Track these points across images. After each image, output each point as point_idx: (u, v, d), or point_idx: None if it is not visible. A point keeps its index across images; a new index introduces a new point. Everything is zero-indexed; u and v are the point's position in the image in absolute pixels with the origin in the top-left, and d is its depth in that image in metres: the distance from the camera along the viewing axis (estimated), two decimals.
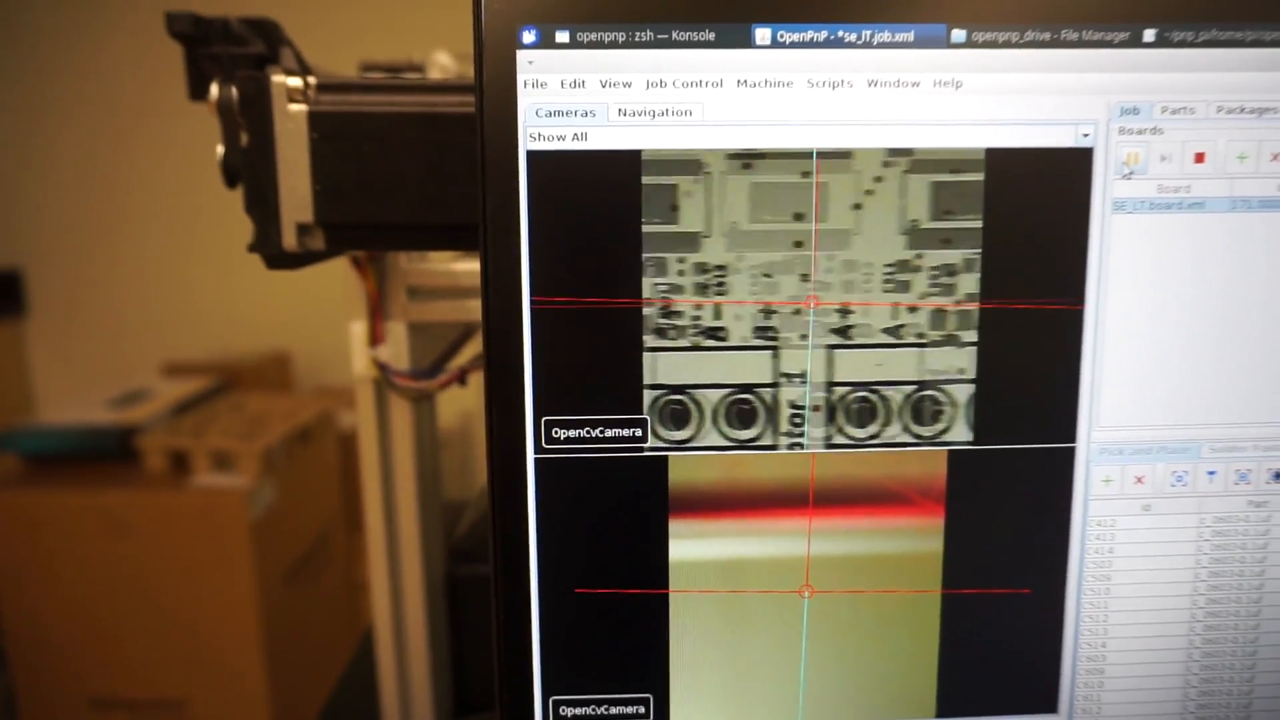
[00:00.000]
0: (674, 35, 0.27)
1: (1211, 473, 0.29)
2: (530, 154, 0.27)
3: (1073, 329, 0.28)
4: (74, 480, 1.16)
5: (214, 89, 0.34)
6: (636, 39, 0.27)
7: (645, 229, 0.27)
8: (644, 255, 0.27)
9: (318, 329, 1.66)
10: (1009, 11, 0.27)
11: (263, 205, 0.34)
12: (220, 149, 0.35)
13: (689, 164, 0.27)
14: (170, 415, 1.30)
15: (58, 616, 1.16)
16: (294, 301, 1.66)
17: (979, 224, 0.28)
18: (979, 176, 0.27)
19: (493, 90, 0.26)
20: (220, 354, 1.61)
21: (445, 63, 0.58)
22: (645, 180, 0.27)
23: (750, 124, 0.27)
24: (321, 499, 1.40)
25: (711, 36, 0.27)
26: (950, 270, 0.28)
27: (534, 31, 0.26)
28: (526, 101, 0.27)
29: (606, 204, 0.27)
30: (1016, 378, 0.28)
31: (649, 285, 0.27)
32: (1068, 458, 0.29)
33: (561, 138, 0.27)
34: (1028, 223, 0.28)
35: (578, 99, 0.27)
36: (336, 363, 1.69)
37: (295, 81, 0.33)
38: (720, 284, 0.27)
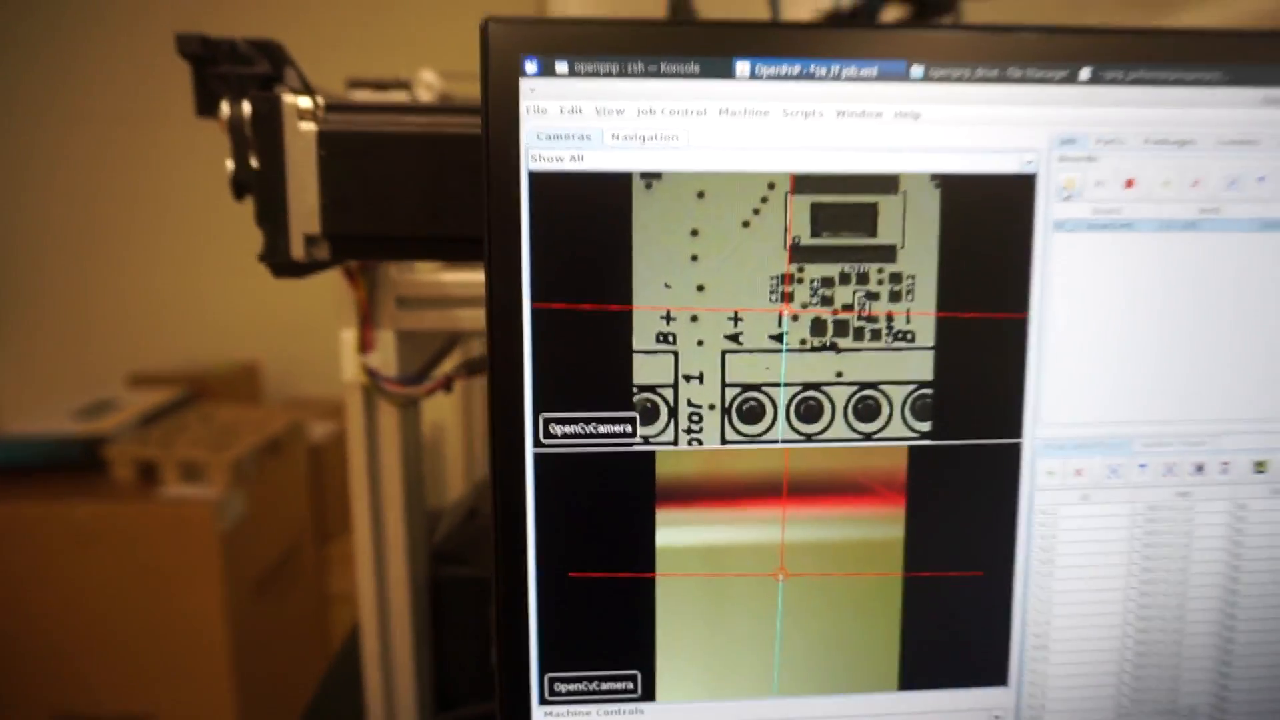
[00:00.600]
0: (663, 67, 0.29)
1: (1143, 465, 0.32)
2: (531, 173, 0.29)
3: (1018, 336, 0.31)
4: (40, 491, 1.16)
5: (225, 107, 0.37)
6: (629, 70, 0.29)
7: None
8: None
9: (287, 340, 1.66)
10: (962, 50, 0.30)
11: (272, 218, 0.36)
12: (230, 164, 0.37)
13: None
14: (138, 425, 1.29)
15: (22, 629, 1.15)
16: (263, 312, 1.66)
17: (936, 241, 0.31)
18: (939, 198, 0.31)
19: (497, 115, 0.29)
20: (188, 364, 1.61)
21: (431, 80, 0.61)
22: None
23: (730, 149, 0.30)
24: (291, 510, 1.40)
25: (696, 69, 0.29)
26: (911, 282, 0.31)
27: (536, 62, 0.29)
28: (528, 126, 0.29)
29: (600, 218, 0.30)
30: (969, 380, 0.31)
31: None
32: (1014, 452, 0.32)
33: (560, 159, 0.29)
34: (978, 240, 0.31)
35: (575, 124, 0.29)
36: (306, 374, 1.70)
37: (306, 102, 0.35)
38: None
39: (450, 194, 0.36)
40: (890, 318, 0.31)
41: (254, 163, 0.36)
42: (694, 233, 0.30)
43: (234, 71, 0.38)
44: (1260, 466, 0.33)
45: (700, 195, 0.30)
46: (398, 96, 0.62)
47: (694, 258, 0.30)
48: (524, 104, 0.29)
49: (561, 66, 0.29)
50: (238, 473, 1.20)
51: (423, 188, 0.36)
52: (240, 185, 0.37)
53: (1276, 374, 0.32)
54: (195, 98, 0.39)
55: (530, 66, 0.29)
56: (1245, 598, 0.33)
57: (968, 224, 0.31)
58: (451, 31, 1.51)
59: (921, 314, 0.31)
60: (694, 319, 0.30)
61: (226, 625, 1.17)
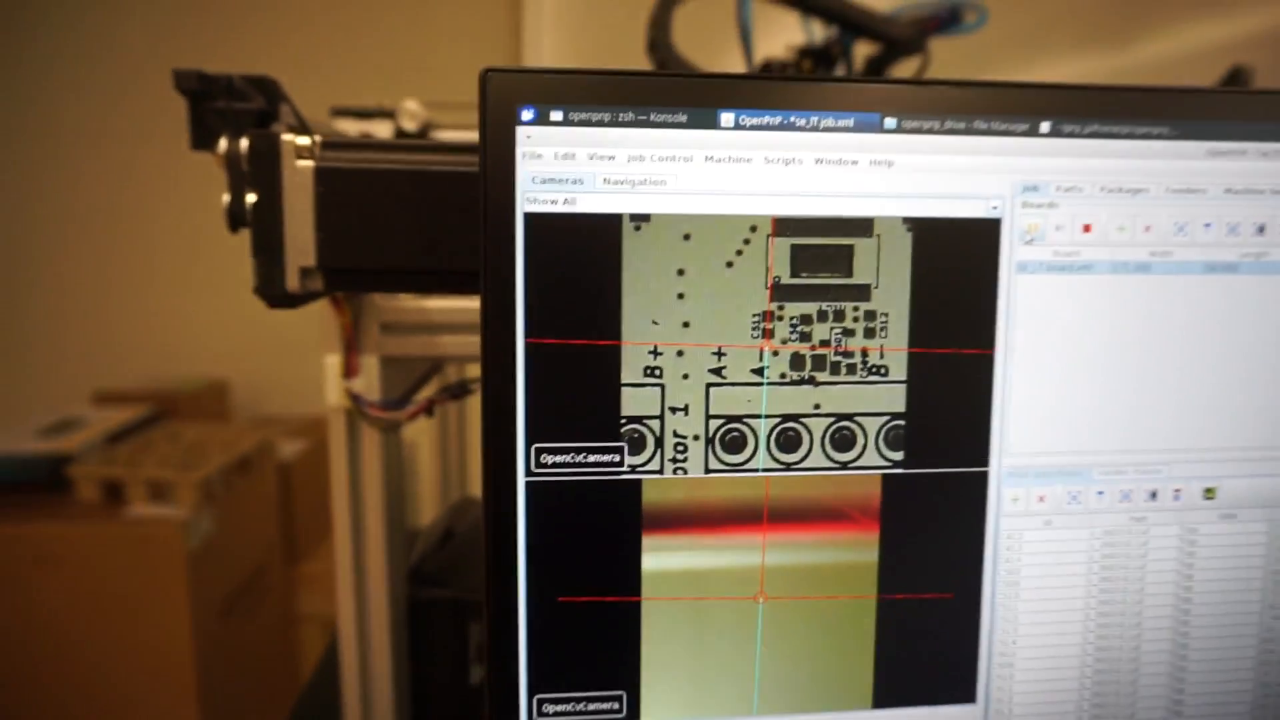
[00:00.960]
0: (652, 116, 0.31)
1: (1100, 492, 0.34)
2: (526, 215, 0.31)
3: (985, 370, 0.33)
4: (2, 512, 1.14)
5: (223, 143, 0.38)
6: (620, 119, 0.31)
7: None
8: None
9: (257, 358, 1.65)
10: (932, 104, 0.32)
11: (269, 251, 0.37)
12: (226, 197, 0.38)
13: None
14: (103, 444, 1.28)
15: None
16: (232, 329, 1.65)
17: (908, 281, 0.33)
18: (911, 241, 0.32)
19: (495, 159, 0.30)
20: (154, 382, 1.59)
21: (414, 109, 0.62)
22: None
23: (715, 193, 0.31)
24: (260, 530, 1.39)
25: (684, 118, 0.31)
26: (884, 319, 0.33)
27: (532, 110, 0.30)
28: (524, 170, 0.31)
29: (591, 258, 0.31)
30: (939, 412, 0.33)
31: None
32: (981, 480, 0.34)
33: (554, 201, 0.31)
34: (947, 280, 0.33)
35: (568, 169, 0.31)
36: (276, 392, 1.69)
37: (304, 140, 0.37)
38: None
39: (443, 229, 0.37)
40: (865, 353, 0.33)
41: (250, 197, 0.37)
42: (680, 272, 0.32)
43: (230, 107, 0.39)
44: (1209, 493, 0.35)
45: (686, 237, 0.32)
46: (382, 124, 0.63)
47: (680, 296, 0.32)
48: (520, 149, 0.31)
49: (556, 114, 0.31)
50: (206, 492, 1.19)
51: (416, 223, 0.37)
52: (235, 218, 0.38)
53: (1222, 405, 0.34)
54: (191, 132, 0.40)
55: (526, 114, 0.30)
56: (1196, 616, 0.35)
57: (938, 265, 0.33)
58: (435, 61, 1.53)
59: (894, 350, 0.33)
60: (680, 354, 0.32)
61: (193, 647, 1.16)
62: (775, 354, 0.32)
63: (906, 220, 0.32)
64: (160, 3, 1.58)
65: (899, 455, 0.33)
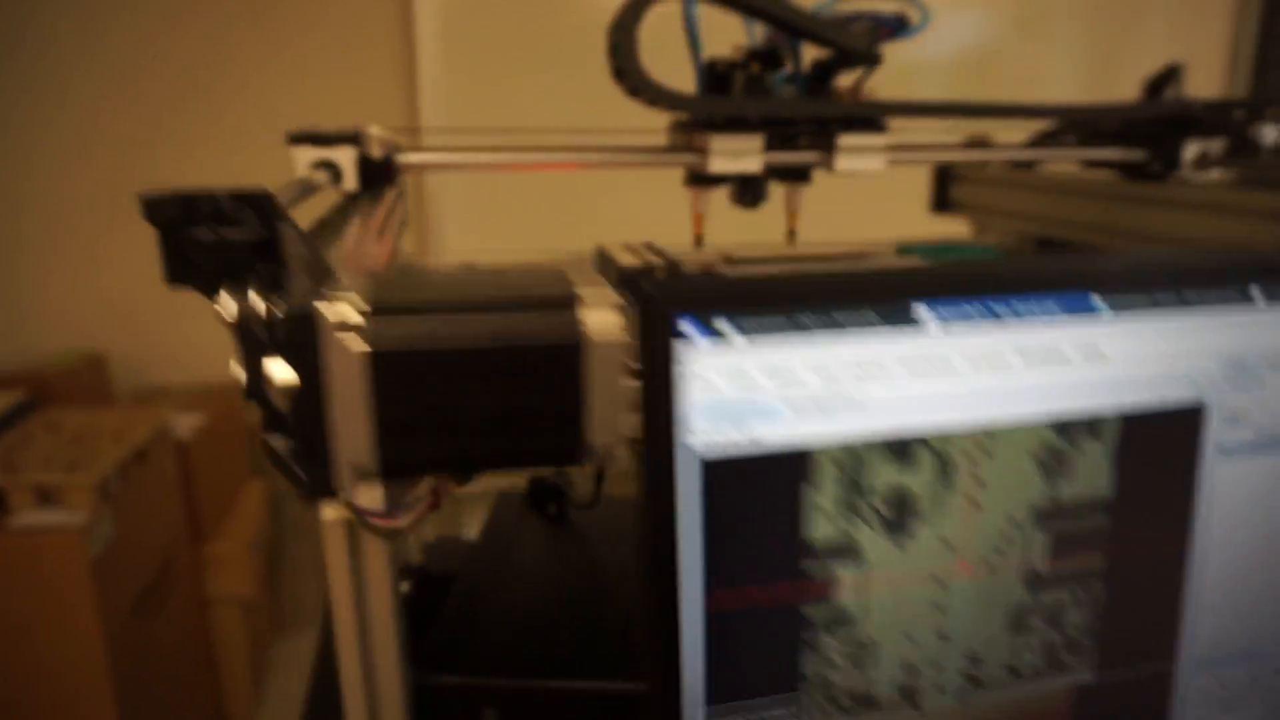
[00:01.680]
0: (837, 317, 0.25)
1: (1277, 669, 0.32)
2: (704, 462, 0.24)
3: (1181, 564, 0.30)
4: None
5: (231, 306, 0.29)
6: (799, 323, 0.25)
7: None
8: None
9: (135, 325, 1.47)
10: (1139, 276, 0.27)
11: (314, 453, 0.29)
12: (242, 373, 0.29)
13: None
14: None
15: None
16: (105, 296, 1.47)
17: (1109, 479, 0.28)
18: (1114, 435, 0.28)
19: (655, 390, 0.24)
20: (23, 361, 1.40)
21: (381, 135, 0.52)
22: None
23: (918, 409, 0.26)
24: (164, 520, 1.27)
25: (874, 316, 0.25)
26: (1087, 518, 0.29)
27: (694, 323, 0.24)
28: (692, 400, 0.24)
29: (778, 500, 0.25)
30: (1131, 614, 0.30)
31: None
32: (1169, 678, 0.31)
33: (731, 437, 0.25)
34: (1147, 474, 0.29)
35: (746, 395, 0.24)
36: (160, 361, 1.52)
37: (352, 314, 0.28)
38: None
39: (529, 405, 0.30)
40: (1064, 559, 0.29)
41: (280, 374, 0.29)
42: (873, 502, 0.26)
43: (217, 235, 0.30)
44: None
45: (887, 460, 0.26)
46: (347, 150, 0.53)
47: (877, 526, 0.26)
48: (683, 371, 0.24)
49: (722, 323, 0.24)
50: (104, 492, 1.07)
51: (496, 403, 0.30)
52: (254, 393, 0.30)
53: None
54: (165, 267, 0.31)
55: (687, 327, 0.24)
56: None
57: (1137, 458, 0.28)
58: (397, 86, 1.31)
59: (1090, 553, 0.29)
60: (877, 593, 0.27)
61: (105, 654, 1.07)
62: (978, 577, 0.28)
63: (1115, 413, 0.28)
64: None
65: (1087, 665, 0.30)
